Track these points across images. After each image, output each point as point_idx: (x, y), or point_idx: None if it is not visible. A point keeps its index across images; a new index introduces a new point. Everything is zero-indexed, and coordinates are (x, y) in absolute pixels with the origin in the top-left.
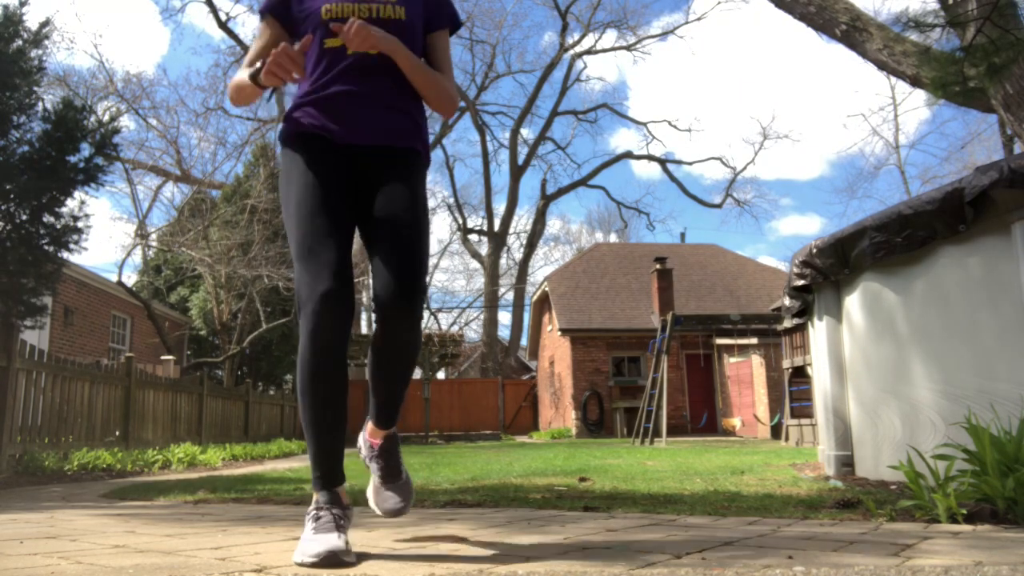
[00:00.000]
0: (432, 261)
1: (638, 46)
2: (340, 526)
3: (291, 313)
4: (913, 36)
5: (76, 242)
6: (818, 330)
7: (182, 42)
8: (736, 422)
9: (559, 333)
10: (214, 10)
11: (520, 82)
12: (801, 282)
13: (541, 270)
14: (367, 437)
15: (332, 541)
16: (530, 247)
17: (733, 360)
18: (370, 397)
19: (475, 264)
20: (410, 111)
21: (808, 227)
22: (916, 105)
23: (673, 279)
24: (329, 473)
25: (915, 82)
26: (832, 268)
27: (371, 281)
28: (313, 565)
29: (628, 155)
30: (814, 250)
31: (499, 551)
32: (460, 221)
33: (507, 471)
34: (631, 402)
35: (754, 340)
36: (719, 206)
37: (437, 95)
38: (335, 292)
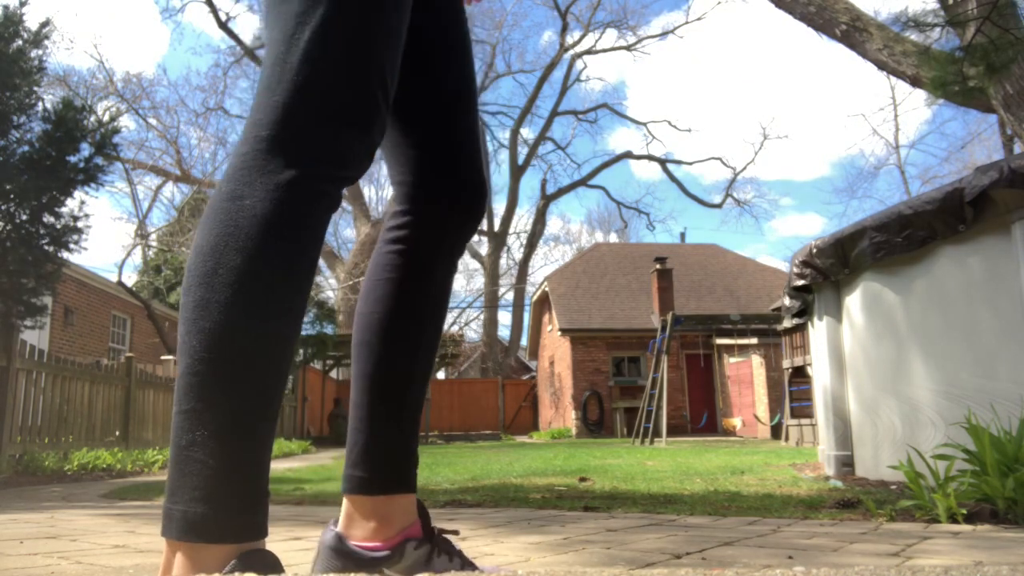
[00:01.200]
0: None
1: (638, 46)
2: None
3: None
4: (913, 36)
5: (76, 242)
6: (818, 330)
7: (182, 42)
8: (736, 422)
9: (559, 333)
10: (214, 10)
11: (520, 82)
12: (801, 282)
13: (541, 270)
14: (367, 536)
15: None
16: (530, 247)
17: (733, 360)
18: (367, 426)
19: (475, 264)
20: None
21: (808, 227)
22: (916, 105)
23: (673, 279)
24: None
25: (915, 82)
26: (832, 268)
27: (402, 176)
28: None
29: (628, 155)
30: (814, 250)
31: (499, 551)
32: None
33: (507, 471)
34: (631, 402)
35: (754, 340)
36: (719, 206)
37: None
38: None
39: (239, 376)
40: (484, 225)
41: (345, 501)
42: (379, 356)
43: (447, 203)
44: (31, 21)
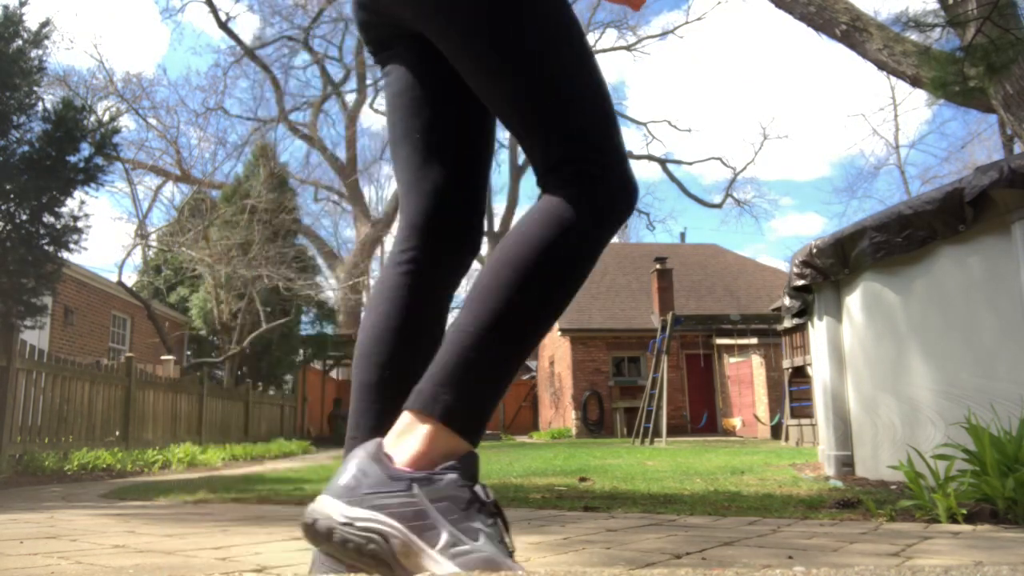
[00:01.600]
0: None
1: (638, 46)
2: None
3: (291, 313)
4: (913, 36)
5: (76, 242)
6: (818, 330)
7: (182, 42)
8: (736, 422)
9: (559, 333)
10: (214, 10)
11: None
12: (801, 282)
13: None
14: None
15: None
16: None
17: (733, 360)
18: (365, 434)
19: (475, 264)
20: None
21: (808, 227)
22: (916, 105)
23: (673, 279)
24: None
25: (915, 82)
26: (832, 268)
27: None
28: None
29: (628, 155)
30: (814, 250)
31: None
32: None
33: (507, 471)
34: (631, 402)
35: (754, 340)
36: (719, 206)
37: None
38: None
39: (525, 333)
40: (484, 225)
41: None
42: (380, 367)
43: (459, 240)
44: (31, 21)
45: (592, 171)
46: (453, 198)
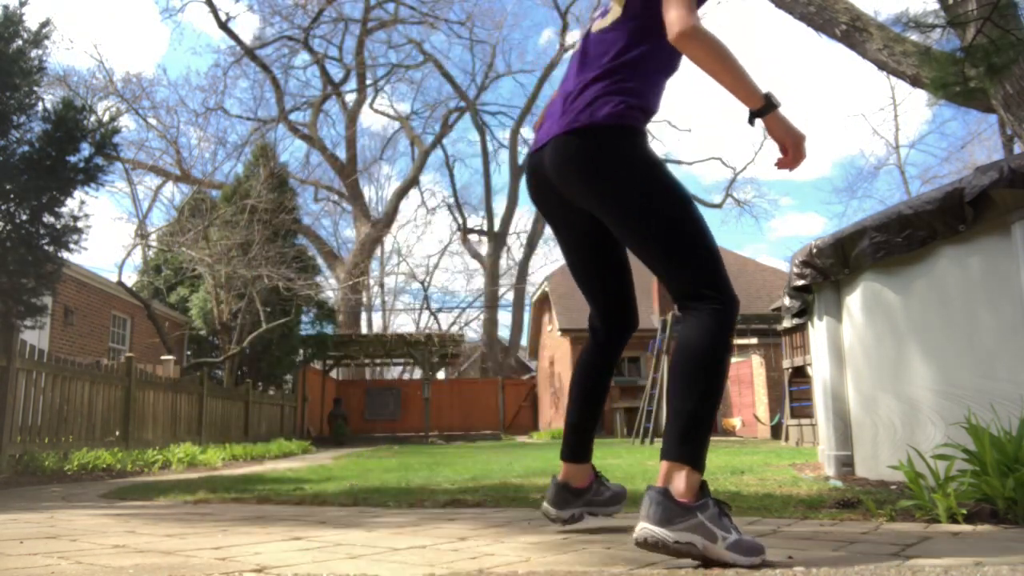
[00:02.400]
0: (432, 260)
1: None
2: None
3: (291, 313)
4: (913, 36)
5: (76, 242)
6: (818, 330)
7: (182, 42)
8: (736, 422)
9: (559, 333)
10: (214, 10)
11: (520, 82)
12: (801, 282)
13: (541, 270)
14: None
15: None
16: (530, 247)
17: (733, 360)
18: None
19: (475, 264)
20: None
21: (808, 227)
22: (916, 105)
23: None
24: None
25: (915, 82)
26: (832, 268)
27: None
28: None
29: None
30: (814, 250)
31: (499, 551)
32: (460, 221)
33: (507, 471)
34: (631, 402)
35: (754, 340)
36: (719, 206)
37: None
38: None
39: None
40: (484, 225)
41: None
42: (584, 391)
43: (624, 328)
44: (31, 21)
45: (715, 305)
46: (620, 306)
